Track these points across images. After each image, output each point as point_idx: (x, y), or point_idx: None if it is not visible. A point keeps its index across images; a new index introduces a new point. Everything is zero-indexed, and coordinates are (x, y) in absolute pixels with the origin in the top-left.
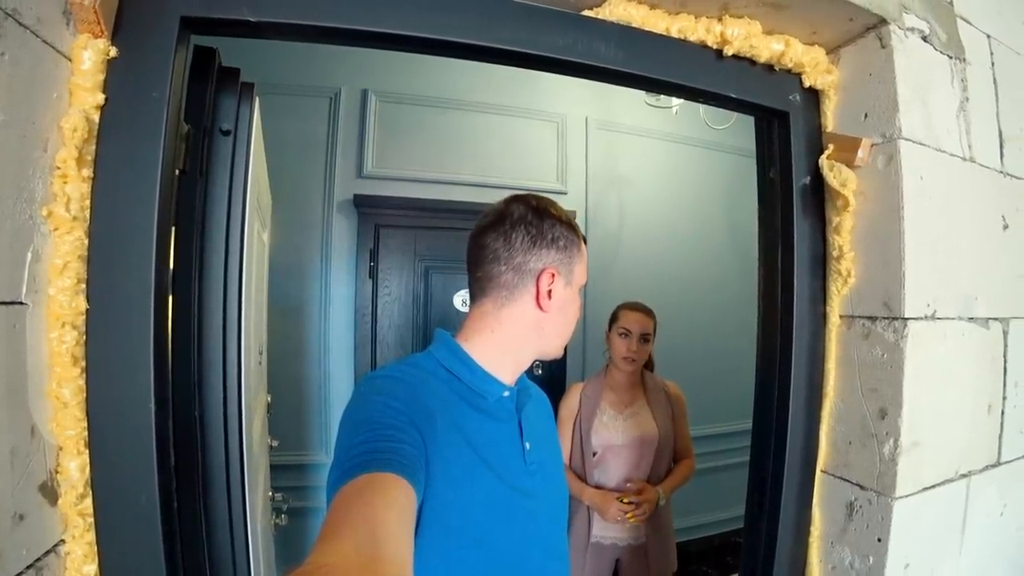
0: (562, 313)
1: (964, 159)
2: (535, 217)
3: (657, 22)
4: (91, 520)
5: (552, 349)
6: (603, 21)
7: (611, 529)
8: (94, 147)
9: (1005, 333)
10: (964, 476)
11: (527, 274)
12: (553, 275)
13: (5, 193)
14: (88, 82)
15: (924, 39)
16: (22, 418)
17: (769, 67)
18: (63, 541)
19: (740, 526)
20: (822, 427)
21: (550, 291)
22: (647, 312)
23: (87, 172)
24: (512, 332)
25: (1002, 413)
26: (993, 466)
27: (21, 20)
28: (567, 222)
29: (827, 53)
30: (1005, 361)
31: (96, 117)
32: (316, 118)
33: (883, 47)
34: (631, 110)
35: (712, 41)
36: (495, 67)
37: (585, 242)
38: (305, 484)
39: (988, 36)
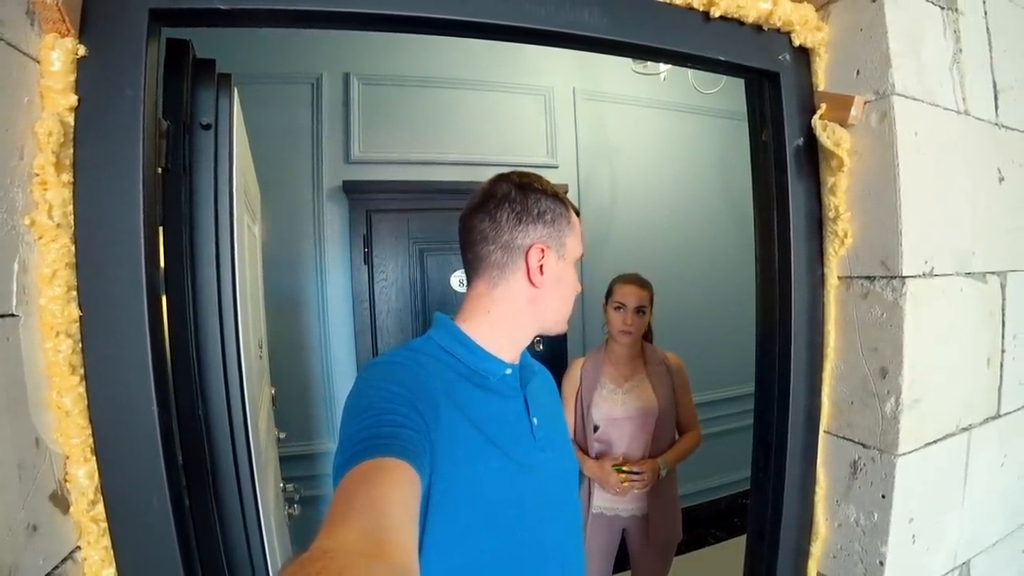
0: (557, 287)
1: (958, 112)
2: (519, 193)
3: None
4: (104, 525)
5: (552, 324)
6: None
7: (611, 500)
8: (72, 151)
9: (1003, 286)
10: (965, 429)
11: (516, 251)
12: (543, 250)
13: None
14: (59, 84)
15: None
16: (25, 430)
17: (758, 27)
18: (79, 548)
19: (745, 488)
20: (824, 388)
21: (541, 266)
22: (642, 284)
23: (67, 177)
24: (508, 310)
25: (1001, 366)
26: (993, 418)
27: None
28: (553, 195)
29: (817, 10)
30: (1003, 314)
31: (71, 119)
32: (299, 106)
33: (873, 1)
34: (618, 79)
35: (698, 3)
36: (477, 43)
37: (578, 214)
38: (315, 473)
39: None
